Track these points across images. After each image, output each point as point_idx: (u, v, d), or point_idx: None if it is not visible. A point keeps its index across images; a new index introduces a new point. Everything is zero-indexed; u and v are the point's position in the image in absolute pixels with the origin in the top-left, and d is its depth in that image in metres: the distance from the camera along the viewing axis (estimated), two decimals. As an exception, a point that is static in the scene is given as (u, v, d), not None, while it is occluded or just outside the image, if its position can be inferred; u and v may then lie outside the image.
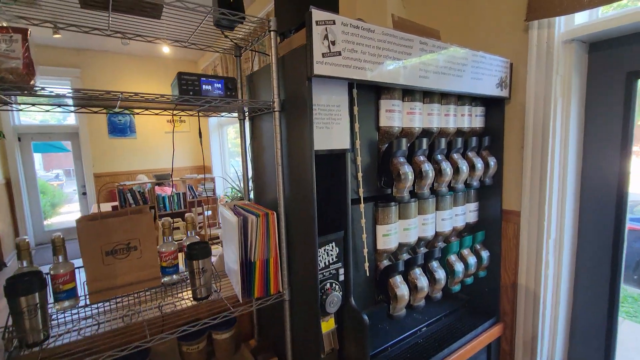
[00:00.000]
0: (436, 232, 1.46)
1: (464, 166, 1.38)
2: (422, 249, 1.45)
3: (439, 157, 1.34)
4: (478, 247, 1.61)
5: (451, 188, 1.40)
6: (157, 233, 1.28)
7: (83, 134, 5.90)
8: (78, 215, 6.35)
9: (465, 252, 1.55)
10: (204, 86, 0.89)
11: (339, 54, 0.91)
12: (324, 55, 0.88)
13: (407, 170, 1.17)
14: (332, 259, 1.11)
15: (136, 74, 6.14)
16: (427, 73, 1.15)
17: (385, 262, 1.30)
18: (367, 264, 1.20)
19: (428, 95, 1.32)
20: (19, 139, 5.53)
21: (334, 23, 0.89)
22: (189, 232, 1.07)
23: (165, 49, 5.69)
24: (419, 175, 1.23)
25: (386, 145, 1.21)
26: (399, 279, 1.27)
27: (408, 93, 1.25)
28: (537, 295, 1.52)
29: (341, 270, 1.14)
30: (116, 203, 4.33)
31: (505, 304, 1.65)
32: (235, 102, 0.94)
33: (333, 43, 0.90)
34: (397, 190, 1.19)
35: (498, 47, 1.56)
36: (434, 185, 1.33)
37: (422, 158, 1.26)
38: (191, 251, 0.96)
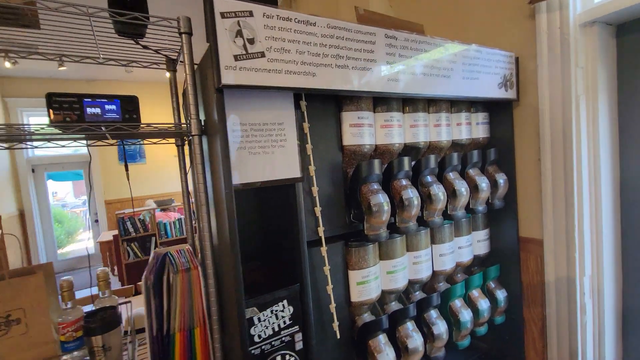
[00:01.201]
0: (434, 271, 1.17)
1: (462, 188, 1.09)
2: (417, 293, 1.16)
3: (429, 178, 1.06)
4: (492, 285, 1.29)
5: (448, 216, 1.11)
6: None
7: (94, 162, 5.96)
8: (91, 242, 6.39)
9: (475, 293, 1.23)
10: (88, 109, 0.68)
11: (261, 55, 0.68)
12: (237, 58, 0.65)
13: (382, 200, 0.91)
14: (284, 322, 0.85)
15: (147, 100, 6.19)
16: (398, 75, 0.89)
17: (366, 317, 1.02)
18: (336, 324, 0.92)
19: (410, 103, 1.06)
20: (33, 170, 5.63)
21: (251, 15, 0.67)
22: (101, 293, 0.84)
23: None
24: (400, 204, 0.96)
25: (353, 169, 0.95)
26: (382, 339, 0.99)
27: (381, 102, 0.99)
28: (573, 351, 1.17)
29: (298, 336, 0.87)
30: (116, 232, 4.24)
31: (534, 357, 1.31)
32: (135, 127, 0.72)
33: (251, 41, 0.67)
34: (369, 226, 0.92)
35: (499, 39, 1.28)
36: (423, 214, 1.05)
37: (404, 182, 0.99)
38: (88, 324, 0.73)
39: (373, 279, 1.00)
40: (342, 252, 0.97)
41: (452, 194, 1.09)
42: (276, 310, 0.84)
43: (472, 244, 1.28)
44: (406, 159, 0.99)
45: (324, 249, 0.90)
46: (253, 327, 0.81)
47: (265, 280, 0.94)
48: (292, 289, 0.87)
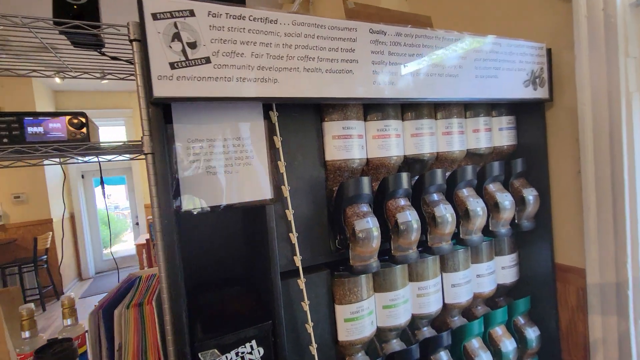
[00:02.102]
0: (445, 304, 1.00)
1: (477, 207, 0.92)
2: (424, 329, 0.99)
3: (435, 197, 0.90)
4: (520, 321, 1.09)
5: (461, 241, 0.94)
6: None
7: (135, 168, 6.30)
8: (132, 244, 6.75)
9: (499, 331, 1.04)
10: (30, 129, 0.62)
11: (206, 61, 0.58)
12: (174, 65, 0.55)
13: (370, 226, 0.76)
14: (253, 367, 0.74)
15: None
16: (388, 77, 0.75)
17: (360, 358, 0.88)
18: (318, 367, 0.79)
19: (411, 109, 0.90)
20: (82, 176, 6.07)
21: (193, 14, 0.57)
22: (64, 322, 0.79)
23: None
24: (395, 229, 0.81)
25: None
26: (375, 386, 0.84)
27: (373, 108, 0.85)
28: (625, 411, 0.94)
29: (270, 383, 0.76)
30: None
31: (574, 410, 1.08)
32: (77, 146, 0.65)
33: (192, 45, 0.57)
34: (355, 255, 0.78)
35: (526, 29, 1.08)
36: (427, 239, 0.89)
37: (402, 202, 0.84)
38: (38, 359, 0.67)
39: (366, 315, 0.85)
40: (327, 283, 0.84)
41: (464, 214, 0.91)
42: (243, 353, 0.73)
43: (495, 271, 1.09)
44: (404, 175, 0.84)
45: (301, 281, 0.77)
46: (214, 372, 0.71)
47: (245, 310, 0.84)
48: (263, 327, 0.75)
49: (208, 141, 0.68)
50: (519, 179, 1.06)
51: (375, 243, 0.77)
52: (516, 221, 1.04)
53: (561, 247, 1.07)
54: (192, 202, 0.67)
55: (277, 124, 0.74)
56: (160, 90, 0.54)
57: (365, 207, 0.80)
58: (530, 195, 1.02)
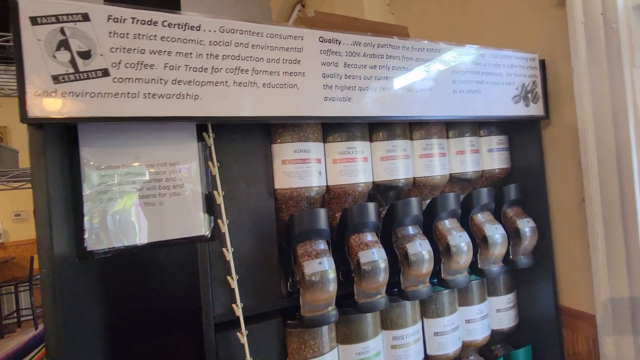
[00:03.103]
0: (427, 355, 0.85)
1: (461, 242, 0.78)
2: (403, 385, 0.84)
3: (410, 230, 0.77)
4: (520, 375, 0.92)
5: (442, 282, 0.80)
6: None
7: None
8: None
9: (493, 388, 0.88)
10: None
11: (103, 73, 0.47)
12: (58, 79, 0.45)
13: (325, 268, 0.64)
14: None
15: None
16: (344, 92, 0.64)
17: (319, 423, 0.73)
18: None
19: (381, 128, 0.79)
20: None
21: (87, 19, 0.47)
22: None
23: None
24: (357, 271, 0.68)
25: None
26: None
27: (334, 128, 0.74)
28: None
29: None
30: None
31: None
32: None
33: (85, 55, 0.47)
34: (305, 303, 0.65)
35: (517, 39, 0.97)
36: (400, 280, 0.75)
37: (368, 238, 0.71)
38: None
39: (326, 373, 0.71)
40: (277, 335, 0.70)
41: (446, 251, 0.78)
42: None
43: (489, 315, 0.93)
44: (370, 205, 0.72)
45: (242, 335, 0.64)
46: None
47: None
48: (192, 393, 0.62)
49: (125, 167, 0.58)
50: (514, 208, 0.92)
51: (331, 288, 0.64)
52: (511, 257, 0.89)
53: (567, 287, 0.92)
54: (100, 241, 0.56)
55: (213, 148, 0.63)
56: (38, 109, 0.44)
57: (321, 245, 0.68)
58: (526, 226, 0.88)
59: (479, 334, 0.90)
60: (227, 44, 0.55)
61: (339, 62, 0.63)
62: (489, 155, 0.93)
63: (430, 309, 0.84)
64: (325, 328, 0.72)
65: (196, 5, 2.42)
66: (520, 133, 0.94)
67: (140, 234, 0.59)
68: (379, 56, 0.67)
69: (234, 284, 0.64)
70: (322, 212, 0.68)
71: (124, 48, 0.49)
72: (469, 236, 0.81)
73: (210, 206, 0.64)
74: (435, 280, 0.81)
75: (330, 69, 0.62)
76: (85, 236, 0.56)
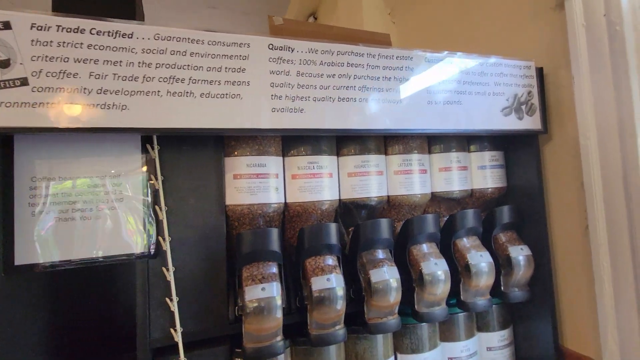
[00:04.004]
0: (401, 395, 0.76)
1: (438, 270, 0.69)
2: None
3: (380, 254, 0.69)
4: None
5: (416, 314, 0.71)
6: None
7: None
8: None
9: None
10: None
11: (22, 82, 0.46)
12: (-29, 88, 0.44)
13: (271, 295, 0.58)
14: None
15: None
16: (296, 104, 0.59)
17: None
18: None
19: (350, 142, 0.73)
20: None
21: (8, 27, 0.45)
22: None
23: None
24: (309, 299, 0.61)
25: (241, 239, 0.65)
26: None
27: (296, 141, 0.69)
28: None
29: None
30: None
31: None
32: None
33: (4, 64, 0.45)
34: (247, 334, 0.59)
35: (516, 46, 0.88)
36: (365, 311, 0.68)
37: (329, 262, 0.65)
38: None
39: (277, 409, 0.65)
40: (225, 362, 0.65)
41: (419, 279, 0.69)
42: None
43: (478, 353, 0.83)
44: (332, 226, 0.66)
45: (180, 362, 0.60)
46: None
47: None
48: (122, 423, 0.58)
49: (61, 180, 0.56)
50: (507, 233, 0.81)
51: (274, 320, 0.58)
52: (502, 289, 0.79)
53: (570, 327, 0.80)
54: (30, 256, 0.54)
55: (157, 160, 0.60)
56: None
57: (272, 269, 0.62)
58: (519, 254, 0.77)
59: (465, 374, 0.80)
60: (161, 51, 0.52)
61: (291, 70, 0.59)
62: (480, 173, 0.84)
63: (404, 343, 0.75)
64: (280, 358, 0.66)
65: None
66: (516, 149, 0.84)
67: (73, 250, 0.56)
68: (339, 64, 0.62)
69: (174, 307, 0.60)
70: (275, 232, 0.62)
71: (47, 57, 0.47)
72: (451, 264, 0.72)
73: (157, 222, 0.61)
74: (409, 309, 0.72)
75: (280, 77, 0.58)
76: (15, 250, 0.54)
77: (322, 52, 0.61)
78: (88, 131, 0.49)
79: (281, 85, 0.58)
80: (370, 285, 0.65)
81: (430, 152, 0.80)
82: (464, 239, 0.77)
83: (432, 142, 0.80)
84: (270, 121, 0.57)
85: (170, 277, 0.60)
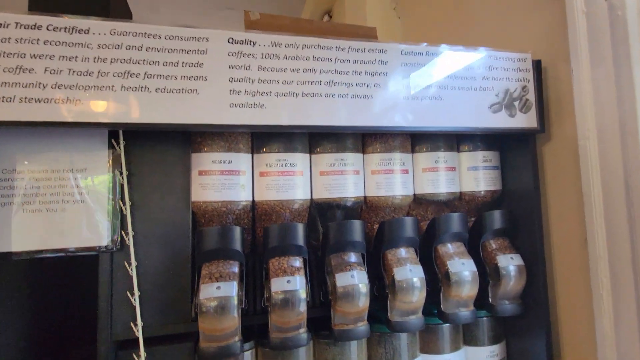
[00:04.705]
0: (374, 407, 0.72)
1: (414, 277, 0.65)
2: None
3: (352, 258, 0.66)
4: None
5: (388, 323, 0.67)
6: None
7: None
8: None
9: None
10: None
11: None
12: None
13: (226, 294, 0.57)
14: None
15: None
16: (257, 99, 0.57)
17: None
18: None
19: (324, 139, 0.70)
20: None
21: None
22: None
23: None
24: (269, 301, 0.59)
25: (205, 237, 0.64)
26: None
27: (266, 138, 0.67)
28: None
29: None
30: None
31: None
32: None
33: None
34: (202, 335, 0.58)
35: (511, 36, 0.81)
36: (331, 316, 0.65)
37: (295, 264, 0.63)
38: None
39: (238, 411, 0.63)
40: (188, 358, 0.65)
41: (391, 286, 0.65)
42: None
43: (464, 367, 0.77)
44: (298, 227, 0.63)
45: (138, 356, 0.60)
46: None
47: None
48: (81, 412, 0.59)
49: (28, 173, 0.58)
50: (497, 240, 0.75)
51: (230, 320, 0.57)
52: (490, 301, 0.73)
53: (566, 346, 0.72)
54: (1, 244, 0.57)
55: (122, 155, 0.60)
56: None
57: (233, 268, 0.61)
58: (509, 264, 0.71)
59: (448, 389, 0.75)
60: (117, 46, 0.52)
61: (252, 65, 0.57)
62: (470, 175, 0.78)
63: (378, 352, 0.72)
64: (245, 356, 0.64)
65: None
66: (512, 149, 0.78)
67: (40, 241, 0.58)
68: (304, 58, 0.59)
69: (135, 301, 0.60)
70: (238, 231, 0.61)
71: (4, 53, 0.49)
72: (427, 271, 0.68)
73: (122, 216, 0.62)
74: (367, 323, 0.68)
75: (240, 72, 0.56)
76: (-16, 239, 0.56)
77: (286, 45, 0.59)
78: (43, 125, 0.50)
79: (240, 80, 0.57)
80: (336, 289, 0.62)
81: (413, 152, 0.76)
82: (448, 245, 0.72)
83: (416, 140, 0.76)
84: (229, 117, 0.56)
85: (133, 271, 0.61)
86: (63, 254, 0.59)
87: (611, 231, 0.61)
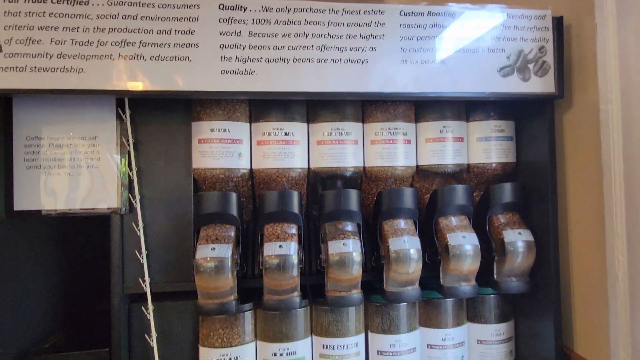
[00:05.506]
0: (370, 374, 0.73)
1: (411, 248, 0.64)
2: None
3: (348, 226, 0.66)
4: None
5: (383, 293, 0.67)
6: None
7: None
8: None
9: None
10: None
11: (-6, 49, 0.52)
12: (-43, 55, 0.52)
13: (221, 255, 0.60)
14: (80, 397, 0.65)
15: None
16: (248, 65, 0.58)
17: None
18: (163, 417, 0.66)
19: (322, 107, 0.69)
20: None
21: (-16, 0, 0.52)
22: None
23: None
24: (263, 263, 0.62)
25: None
26: None
27: (264, 106, 0.68)
28: None
29: (98, 420, 0.65)
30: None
31: None
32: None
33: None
34: (199, 292, 0.62)
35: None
36: (325, 283, 0.66)
37: (292, 231, 0.64)
38: None
39: (240, 365, 0.67)
40: (192, 317, 0.69)
41: (386, 256, 0.65)
42: (71, 378, 0.65)
43: (467, 344, 0.75)
44: (294, 194, 0.64)
45: (146, 309, 0.65)
46: (37, 393, 0.65)
47: (96, 331, 0.76)
48: (97, 355, 0.66)
49: (49, 139, 0.63)
50: (507, 214, 0.71)
51: (224, 280, 0.60)
52: (495, 277, 0.70)
53: (578, 328, 0.68)
54: (25, 204, 0.63)
55: (128, 123, 0.64)
56: None
57: (230, 232, 0.64)
58: (518, 239, 0.67)
59: (448, 364, 0.73)
60: (114, 16, 0.55)
61: (243, 31, 0.57)
62: (480, 146, 0.74)
63: (375, 322, 0.72)
64: (241, 319, 0.68)
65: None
66: (527, 118, 0.72)
67: (57, 201, 0.64)
68: (295, 23, 0.58)
69: (143, 259, 0.66)
70: (234, 197, 0.63)
71: (16, 25, 0.53)
72: (432, 245, 0.66)
73: (130, 181, 0.66)
74: (360, 291, 0.68)
75: (231, 39, 0.57)
76: (14, 198, 0.63)
77: (277, 10, 0.58)
78: (50, 92, 0.55)
79: (231, 46, 0.57)
80: (329, 256, 0.63)
81: (417, 121, 0.73)
82: (451, 218, 0.70)
83: (421, 109, 0.72)
84: (220, 84, 0.57)
85: (140, 232, 0.65)
86: (79, 214, 0.65)
87: (631, 206, 0.55)
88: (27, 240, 0.71)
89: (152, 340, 0.66)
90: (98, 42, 0.55)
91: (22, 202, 0.64)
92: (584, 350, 0.67)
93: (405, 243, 0.64)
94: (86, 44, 0.54)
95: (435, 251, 0.68)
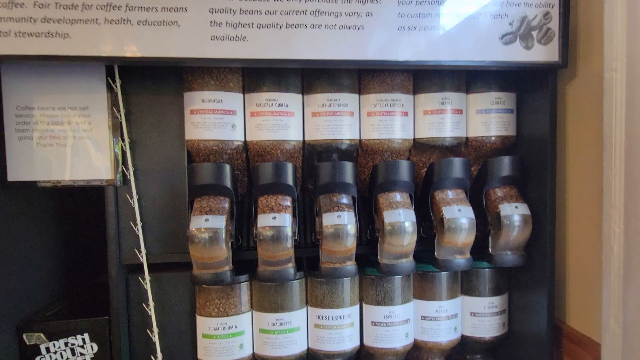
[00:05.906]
0: (365, 346, 0.74)
1: (406, 221, 0.63)
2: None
3: (343, 199, 0.66)
4: (492, 396, 0.74)
5: (377, 265, 0.67)
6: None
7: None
8: None
9: (447, 400, 0.73)
10: None
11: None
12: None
13: (214, 226, 0.60)
14: (80, 363, 0.67)
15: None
16: (237, 31, 0.55)
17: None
18: (161, 383, 0.68)
19: (316, 77, 0.68)
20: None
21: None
22: None
23: None
24: (257, 235, 0.62)
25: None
26: None
27: (257, 76, 0.66)
28: None
29: (99, 385, 0.67)
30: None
31: None
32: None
33: (-38, -4, 0.50)
34: (194, 263, 0.62)
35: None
36: (319, 255, 0.66)
37: (284, 202, 0.64)
38: None
39: (231, 335, 0.69)
40: (189, 287, 0.70)
41: (381, 229, 0.65)
42: (73, 345, 0.67)
43: (461, 317, 0.76)
44: (288, 165, 0.64)
45: (146, 280, 0.66)
46: (39, 357, 0.66)
47: (94, 301, 0.77)
48: (97, 322, 0.68)
49: (40, 109, 0.62)
50: (504, 188, 0.70)
51: (218, 250, 0.60)
52: (490, 250, 0.70)
53: (572, 301, 0.68)
54: (18, 174, 0.63)
55: (119, 93, 0.63)
56: None
57: (224, 204, 0.63)
58: (514, 213, 0.66)
59: (441, 335, 0.74)
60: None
61: (231, -7, 0.55)
62: (479, 118, 0.72)
63: (369, 294, 0.73)
64: (238, 288, 0.69)
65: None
66: (529, 90, 0.70)
67: (51, 172, 0.64)
68: (288, -14, 0.56)
69: (138, 230, 0.66)
70: (227, 169, 0.63)
71: (-1, -12, 0.51)
72: (421, 217, 0.66)
73: (123, 153, 0.66)
74: (354, 263, 0.68)
75: (221, 2, 0.55)
76: (7, 169, 0.63)
77: (267, -32, 0.55)
78: (34, 59, 0.53)
79: (221, 11, 0.55)
80: (323, 228, 0.62)
81: (415, 92, 0.71)
82: (448, 192, 0.69)
83: (419, 80, 0.70)
84: (210, 50, 0.55)
85: (135, 203, 0.65)
86: (71, 185, 0.65)
87: (630, 178, 0.54)
88: (25, 211, 0.71)
89: (149, 310, 0.67)
90: (83, 5, 0.53)
91: (16, 173, 0.64)
92: (576, 322, 0.67)
93: (400, 216, 0.63)
94: (71, 7, 0.52)
95: (430, 225, 0.68)
